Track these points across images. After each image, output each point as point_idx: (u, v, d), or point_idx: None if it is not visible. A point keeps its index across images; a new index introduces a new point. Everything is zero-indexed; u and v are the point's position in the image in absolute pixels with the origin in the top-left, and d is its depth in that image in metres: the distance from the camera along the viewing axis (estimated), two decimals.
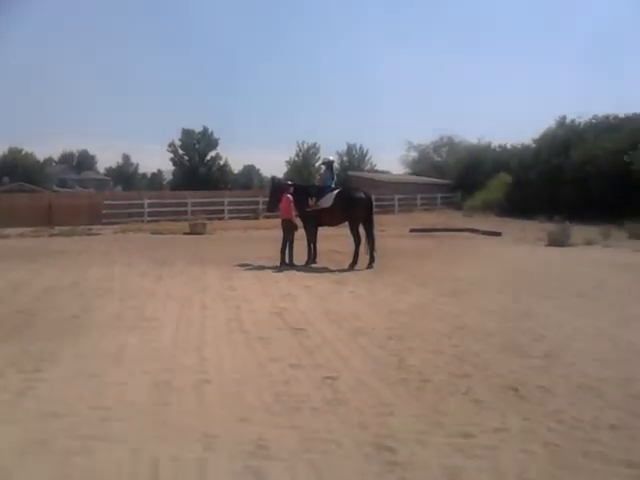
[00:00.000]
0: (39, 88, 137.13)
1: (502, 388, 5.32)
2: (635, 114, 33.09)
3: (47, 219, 27.21)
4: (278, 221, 15.33)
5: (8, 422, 4.49)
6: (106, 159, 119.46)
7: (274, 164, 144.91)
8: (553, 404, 4.92)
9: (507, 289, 10.51)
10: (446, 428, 4.42)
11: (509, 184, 37.11)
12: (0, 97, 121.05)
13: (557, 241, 18.39)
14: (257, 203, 32.68)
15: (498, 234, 22.30)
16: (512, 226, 25.85)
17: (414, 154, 62.63)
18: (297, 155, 70.27)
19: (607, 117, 34.34)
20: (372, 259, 13.60)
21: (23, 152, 79.52)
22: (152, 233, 24.19)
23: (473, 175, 43.16)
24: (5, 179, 62.94)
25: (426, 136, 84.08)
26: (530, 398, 5.05)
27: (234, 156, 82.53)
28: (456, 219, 31.63)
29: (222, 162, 67.65)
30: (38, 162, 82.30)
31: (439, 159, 59.82)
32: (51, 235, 23.17)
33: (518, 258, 15.37)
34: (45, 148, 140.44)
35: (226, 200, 33.70)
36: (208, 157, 66.81)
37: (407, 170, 61.81)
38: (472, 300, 9.53)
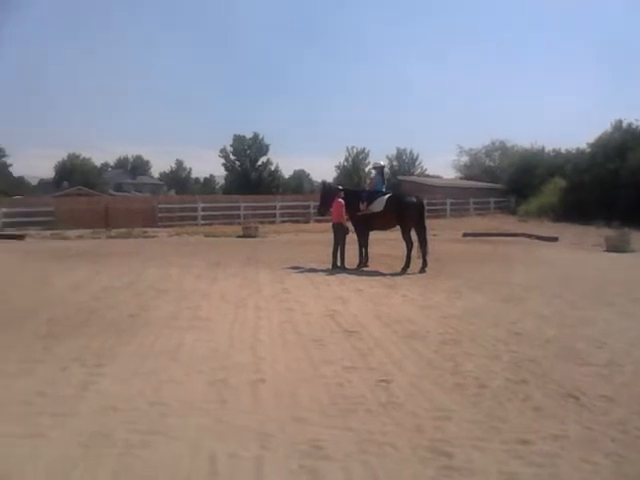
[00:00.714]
0: (96, 96, 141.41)
1: (561, 396, 5.17)
2: None
3: (104, 222, 28.01)
4: (329, 225, 15.38)
5: (72, 415, 4.63)
6: (160, 164, 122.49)
7: (324, 169, 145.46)
8: (616, 413, 4.75)
9: (564, 295, 10.24)
10: (504, 434, 4.33)
11: (564, 189, 36.27)
12: (60, 106, 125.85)
13: (616, 247, 17.86)
14: (308, 207, 32.93)
15: (554, 239, 21.81)
16: (568, 231, 25.22)
17: (465, 158, 61.93)
18: (346, 160, 70.36)
19: None
20: (424, 263, 13.48)
21: (81, 158, 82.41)
22: (206, 236, 24.64)
23: (527, 179, 42.37)
24: (65, 183, 65.52)
25: (477, 140, 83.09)
26: (591, 407, 4.90)
27: (284, 161, 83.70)
28: (510, 224, 31.08)
29: (273, 167, 68.28)
30: (95, 167, 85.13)
31: (491, 163, 58.94)
32: (108, 237, 23.86)
33: (575, 264, 14.99)
34: (102, 154, 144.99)
35: (278, 204, 34.00)
36: (259, 162, 67.53)
37: (458, 174, 61.14)
38: (528, 305, 9.33)
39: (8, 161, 56.66)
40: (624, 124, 36.01)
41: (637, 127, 34.54)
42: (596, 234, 21.84)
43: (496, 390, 5.32)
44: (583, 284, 11.46)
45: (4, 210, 27.15)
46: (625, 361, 6.25)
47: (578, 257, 16.63)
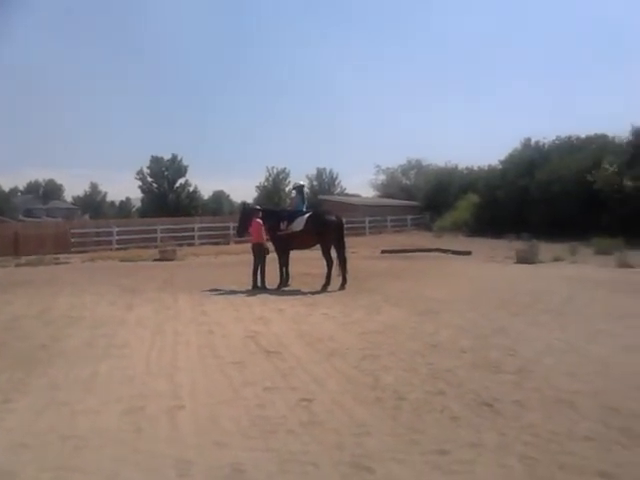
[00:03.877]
0: (2, 117, 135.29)
1: (477, 404, 5.34)
2: (596, 135, 34.26)
3: (14, 249, 26.71)
4: (249, 245, 15.30)
5: None
6: (73, 188, 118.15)
7: (244, 189, 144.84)
8: (528, 418, 4.96)
9: (479, 307, 10.62)
10: (423, 446, 4.42)
11: (477, 204, 37.78)
12: None
13: (525, 259, 18.72)
14: (227, 228, 32.63)
15: (468, 253, 22.62)
16: (481, 245, 26.24)
17: (383, 177, 63.52)
18: (267, 180, 70.47)
19: (569, 138, 35.37)
20: (344, 280, 13.64)
21: None
22: (121, 260, 23.91)
23: (441, 197, 43.95)
24: None
25: (394, 160, 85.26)
26: (505, 413, 5.09)
27: (203, 182, 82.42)
28: (426, 239, 31.99)
29: (191, 189, 67.31)
30: (3, 192, 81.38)
31: (407, 182, 60.63)
32: (18, 265, 22.68)
33: (488, 276, 15.56)
34: (10, 178, 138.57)
35: (196, 226, 33.55)
36: (177, 184, 66.41)
37: (376, 193, 62.53)
38: (445, 318, 9.60)
39: None
40: (532, 142, 37.93)
41: (544, 145, 36.50)
42: (507, 247, 22.82)
43: (414, 402, 5.42)
44: (495, 295, 11.92)
45: None
46: (534, 367, 6.55)
47: (490, 270, 17.28)
